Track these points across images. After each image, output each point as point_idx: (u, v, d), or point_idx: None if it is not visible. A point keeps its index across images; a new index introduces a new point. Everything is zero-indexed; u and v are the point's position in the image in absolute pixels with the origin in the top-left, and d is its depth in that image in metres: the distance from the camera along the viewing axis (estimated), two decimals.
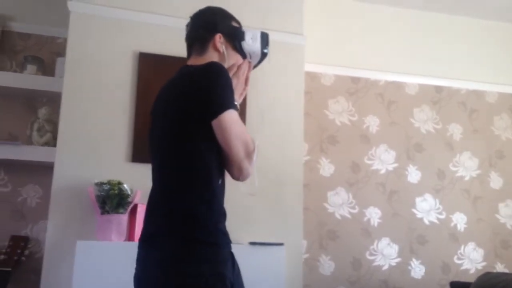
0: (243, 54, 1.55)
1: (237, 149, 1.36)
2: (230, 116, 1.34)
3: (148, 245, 1.36)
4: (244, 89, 1.54)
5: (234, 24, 1.57)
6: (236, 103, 1.41)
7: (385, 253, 3.36)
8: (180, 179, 1.36)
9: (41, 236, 2.79)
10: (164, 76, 2.65)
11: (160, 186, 1.41)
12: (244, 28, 1.56)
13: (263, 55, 1.58)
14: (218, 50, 1.50)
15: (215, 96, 1.34)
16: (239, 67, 1.53)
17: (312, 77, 3.43)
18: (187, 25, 1.58)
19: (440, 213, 3.52)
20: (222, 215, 1.41)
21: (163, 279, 1.28)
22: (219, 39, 1.50)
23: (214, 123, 1.33)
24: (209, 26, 1.52)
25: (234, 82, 1.46)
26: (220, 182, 1.42)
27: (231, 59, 1.52)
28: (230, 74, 1.45)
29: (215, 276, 1.29)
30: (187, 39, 1.56)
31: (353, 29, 3.59)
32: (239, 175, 1.41)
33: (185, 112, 1.35)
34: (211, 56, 1.49)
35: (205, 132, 1.35)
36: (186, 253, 1.29)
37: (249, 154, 1.39)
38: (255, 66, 1.61)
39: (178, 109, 1.37)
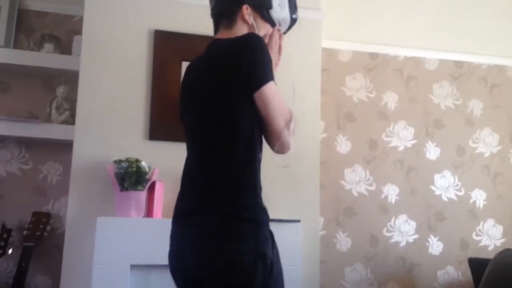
0: (273, 23, 1.51)
1: (278, 122, 1.35)
2: (270, 89, 1.33)
3: (187, 222, 1.33)
4: (278, 59, 1.52)
5: None
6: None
7: (403, 230, 3.35)
8: (222, 151, 1.34)
9: (62, 212, 2.84)
10: (180, 53, 2.69)
11: (200, 160, 1.39)
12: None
13: (293, 21, 1.54)
14: (247, 22, 1.46)
15: (256, 69, 1.32)
16: (270, 36, 1.50)
17: (329, 54, 3.38)
18: (210, 1, 1.54)
19: (459, 190, 3.49)
20: (261, 190, 1.39)
21: (205, 257, 1.25)
22: (246, 10, 1.46)
23: (256, 96, 1.32)
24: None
25: None
26: (260, 156, 1.41)
27: (261, 30, 1.49)
28: None
29: (256, 255, 1.26)
30: (213, 15, 1.52)
31: (371, 3, 3.50)
32: (280, 148, 1.40)
33: (227, 86, 1.33)
34: (241, 29, 1.46)
35: (247, 105, 1.33)
36: (228, 231, 1.26)
37: (288, 126, 1.37)
38: (284, 33, 1.58)
39: (218, 83, 1.35)
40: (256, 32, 1.46)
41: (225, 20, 1.48)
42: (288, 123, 1.37)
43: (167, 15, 2.81)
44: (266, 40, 1.48)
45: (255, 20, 1.47)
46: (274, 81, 1.36)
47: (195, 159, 1.41)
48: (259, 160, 1.40)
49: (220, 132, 1.35)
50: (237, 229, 1.27)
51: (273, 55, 1.46)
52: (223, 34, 1.47)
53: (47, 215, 2.71)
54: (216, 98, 1.35)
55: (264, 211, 1.37)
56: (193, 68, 1.51)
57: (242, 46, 1.34)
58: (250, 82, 1.31)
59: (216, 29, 1.51)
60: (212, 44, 1.47)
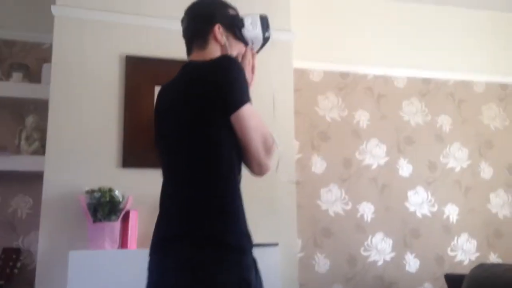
0: (245, 42, 1.51)
1: (256, 143, 1.33)
2: (247, 110, 1.31)
3: (166, 250, 1.28)
4: (252, 78, 1.51)
5: (231, 11, 1.51)
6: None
7: (380, 248, 3.37)
8: (201, 176, 1.30)
9: (33, 248, 2.75)
10: (152, 78, 2.67)
11: (179, 185, 1.35)
12: (242, 15, 1.51)
13: (265, 40, 1.54)
14: (220, 42, 1.45)
15: (232, 92, 1.31)
16: (243, 56, 1.49)
17: (300, 74, 3.42)
18: (182, 21, 1.52)
19: (432, 206, 3.54)
20: (244, 215, 1.35)
21: (188, 286, 1.20)
22: (218, 29, 1.45)
23: (233, 118, 1.30)
24: (205, 18, 1.47)
25: None
26: (240, 178, 1.38)
27: (234, 49, 1.48)
28: None
29: (240, 284, 1.23)
30: (184, 35, 1.50)
31: (340, 24, 3.58)
32: (258, 170, 1.38)
33: (203, 109, 1.30)
34: (214, 49, 1.44)
35: (224, 128, 1.31)
36: (210, 258, 1.22)
37: (268, 149, 1.36)
38: (257, 51, 1.57)
39: (194, 106, 1.32)
40: (229, 51, 1.46)
41: (197, 40, 1.46)
42: (268, 147, 1.35)
43: (138, 40, 2.80)
44: (239, 60, 1.47)
45: (227, 39, 1.46)
46: (250, 102, 1.34)
47: (173, 184, 1.37)
48: (239, 182, 1.38)
49: (198, 156, 1.32)
50: (220, 257, 1.24)
51: (247, 74, 1.44)
52: (197, 55, 1.46)
53: (17, 251, 2.62)
54: (193, 122, 1.32)
55: (248, 237, 1.33)
56: (167, 91, 1.48)
57: (217, 69, 1.33)
58: (226, 105, 1.30)
59: (189, 50, 1.50)
60: (186, 65, 1.45)
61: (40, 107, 2.82)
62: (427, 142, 3.62)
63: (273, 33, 2.97)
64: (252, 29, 1.49)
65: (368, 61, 3.59)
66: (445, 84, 3.74)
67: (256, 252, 2.52)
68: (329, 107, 3.48)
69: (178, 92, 1.39)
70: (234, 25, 1.48)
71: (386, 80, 3.63)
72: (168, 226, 1.32)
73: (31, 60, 2.99)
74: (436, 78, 3.72)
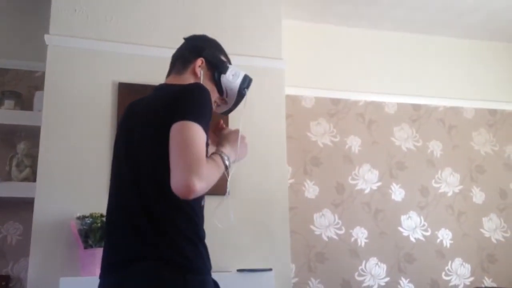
0: (220, 88, 1.49)
1: (189, 157, 1.18)
2: (191, 128, 1.22)
3: (122, 274, 1.24)
4: (243, 153, 1.48)
5: (222, 57, 1.53)
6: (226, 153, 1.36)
7: (374, 273, 3.35)
8: (161, 195, 1.25)
9: (23, 275, 2.71)
10: None
11: (139, 204, 1.28)
12: (230, 65, 1.52)
13: (240, 95, 1.52)
14: (196, 74, 1.46)
15: (185, 106, 1.26)
16: (234, 132, 1.46)
17: (292, 100, 3.45)
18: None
19: (425, 230, 3.53)
20: (204, 237, 1.33)
21: None
22: (200, 63, 1.46)
23: (174, 126, 1.22)
24: (195, 49, 1.50)
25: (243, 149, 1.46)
26: (203, 203, 1.36)
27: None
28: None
29: None
30: (172, 56, 1.53)
31: (331, 51, 3.64)
32: (180, 188, 1.17)
33: (162, 127, 1.25)
34: (188, 78, 1.45)
35: None
36: (173, 283, 1.20)
37: (196, 169, 1.17)
38: (228, 111, 1.56)
39: (157, 126, 1.28)
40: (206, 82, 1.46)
41: (178, 65, 1.48)
42: (196, 165, 1.18)
43: (130, 67, 2.83)
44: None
45: (204, 76, 1.46)
46: (201, 127, 1.24)
47: (127, 203, 1.31)
48: (202, 208, 1.35)
49: (156, 173, 1.26)
50: (184, 281, 1.21)
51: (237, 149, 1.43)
52: (172, 79, 1.47)
53: (7, 278, 2.58)
54: (155, 141, 1.28)
55: (207, 259, 1.31)
56: (132, 109, 1.45)
57: (185, 90, 1.31)
58: (174, 116, 1.24)
59: (169, 73, 1.51)
60: (159, 87, 1.46)
61: (32, 134, 2.82)
62: (418, 167, 3.64)
63: (265, 61, 3.07)
64: (231, 80, 1.49)
65: (359, 87, 3.65)
66: (435, 110, 3.79)
67: (250, 277, 2.51)
68: (321, 132, 3.51)
69: (147, 112, 1.37)
70: (216, 67, 1.48)
71: (377, 106, 3.67)
72: (125, 249, 1.27)
73: (23, 87, 3.00)
74: (426, 104, 3.78)
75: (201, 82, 1.43)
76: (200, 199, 1.33)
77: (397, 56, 3.78)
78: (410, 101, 3.74)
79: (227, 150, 1.37)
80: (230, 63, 1.54)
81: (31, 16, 3.03)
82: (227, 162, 1.34)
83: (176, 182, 1.17)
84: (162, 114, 1.28)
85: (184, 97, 1.28)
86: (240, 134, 1.44)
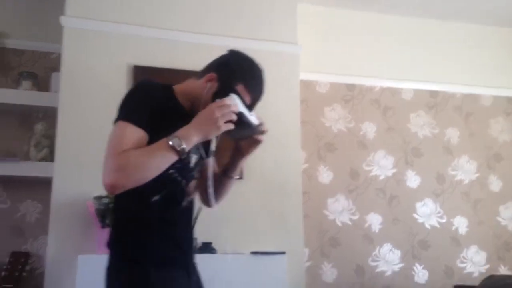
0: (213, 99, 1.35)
1: (105, 156, 1.24)
2: (119, 126, 1.29)
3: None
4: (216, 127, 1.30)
5: (237, 88, 1.35)
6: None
7: (388, 259, 3.34)
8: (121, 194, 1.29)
9: (42, 252, 2.77)
10: None
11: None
12: (236, 96, 1.33)
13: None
14: (204, 85, 1.36)
15: (119, 109, 1.33)
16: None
17: (307, 85, 3.44)
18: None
19: (441, 217, 3.51)
20: (157, 234, 1.38)
21: None
22: (212, 77, 1.36)
23: None
24: (222, 64, 1.40)
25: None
26: (157, 198, 1.36)
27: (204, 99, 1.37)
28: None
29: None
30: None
31: (347, 36, 3.61)
32: (105, 188, 1.22)
33: None
34: (196, 85, 1.39)
35: None
36: (117, 269, 1.37)
37: (109, 166, 1.22)
38: (237, 136, 1.42)
39: None
40: (204, 95, 1.36)
41: (202, 70, 1.43)
42: (107, 161, 1.23)
43: (145, 50, 2.84)
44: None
45: (208, 91, 1.36)
46: (127, 121, 1.28)
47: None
48: (158, 203, 1.37)
49: None
50: (120, 267, 1.37)
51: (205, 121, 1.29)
52: (186, 82, 1.44)
53: (26, 255, 2.62)
54: None
55: (155, 250, 1.39)
56: None
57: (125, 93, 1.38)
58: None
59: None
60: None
61: (49, 115, 2.86)
62: (435, 154, 3.61)
63: (280, 46, 3.05)
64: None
65: (375, 73, 3.61)
66: (452, 97, 3.74)
67: (264, 260, 2.53)
68: (335, 118, 3.49)
69: None
70: (219, 92, 1.35)
71: (393, 92, 3.64)
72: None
73: (39, 69, 3.03)
74: (443, 91, 3.73)
75: (204, 95, 1.36)
76: (146, 195, 1.35)
77: (414, 41, 3.74)
78: (427, 87, 3.70)
79: (182, 131, 1.27)
80: (248, 104, 1.37)
81: None
82: (170, 143, 1.23)
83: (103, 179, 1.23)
84: None
85: (121, 100, 1.35)
86: (212, 107, 1.30)
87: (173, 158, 1.25)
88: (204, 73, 1.41)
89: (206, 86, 1.37)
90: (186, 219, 1.49)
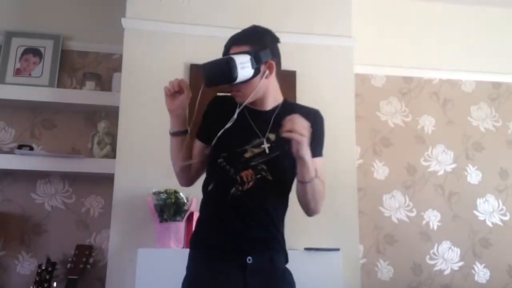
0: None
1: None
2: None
3: None
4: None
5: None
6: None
7: (447, 257, 3.25)
8: None
9: (104, 245, 2.89)
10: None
11: None
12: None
13: None
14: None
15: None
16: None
17: (362, 79, 3.38)
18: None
19: (503, 215, 3.36)
20: (207, 224, 1.56)
21: None
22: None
23: None
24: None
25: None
26: (211, 187, 1.58)
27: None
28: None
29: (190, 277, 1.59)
30: None
31: (402, 28, 3.51)
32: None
33: None
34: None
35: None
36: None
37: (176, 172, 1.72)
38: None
39: None
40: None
41: None
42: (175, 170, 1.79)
43: (202, 49, 2.88)
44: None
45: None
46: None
47: None
48: (212, 191, 1.57)
49: None
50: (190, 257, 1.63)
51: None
52: None
53: (90, 248, 2.77)
54: None
55: (201, 244, 1.60)
56: None
57: None
58: None
59: None
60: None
61: (111, 114, 2.98)
62: (497, 148, 3.45)
63: (334, 39, 3.01)
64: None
65: (433, 65, 3.50)
66: None
67: (317, 256, 2.53)
68: (391, 112, 3.42)
69: None
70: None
71: (453, 84, 3.51)
72: None
73: (102, 69, 3.16)
74: (507, 82, 3.55)
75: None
76: (205, 185, 1.63)
77: (474, 31, 3.57)
78: (489, 78, 3.54)
79: (171, 120, 1.69)
80: (252, 52, 1.63)
81: (110, 0, 3.18)
82: (171, 131, 1.69)
83: None
84: None
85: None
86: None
87: (172, 140, 1.67)
88: None
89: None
90: (244, 212, 1.51)
